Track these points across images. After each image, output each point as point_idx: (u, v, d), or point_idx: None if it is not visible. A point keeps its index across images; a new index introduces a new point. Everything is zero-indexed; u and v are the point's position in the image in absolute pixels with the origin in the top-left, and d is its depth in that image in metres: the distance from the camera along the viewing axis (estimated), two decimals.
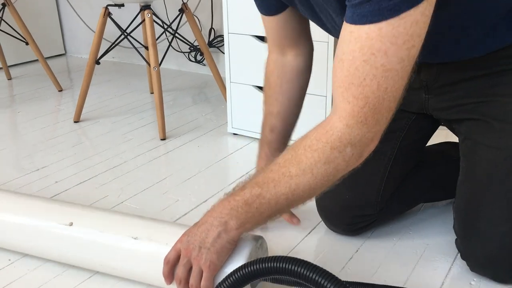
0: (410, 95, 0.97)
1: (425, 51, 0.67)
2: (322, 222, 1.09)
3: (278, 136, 1.03)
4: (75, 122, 1.75)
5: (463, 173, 0.91)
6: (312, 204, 1.17)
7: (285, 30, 0.97)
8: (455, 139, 1.02)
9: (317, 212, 1.12)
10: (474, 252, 0.88)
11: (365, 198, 0.99)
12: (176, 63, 2.41)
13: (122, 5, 1.68)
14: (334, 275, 0.50)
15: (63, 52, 2.79)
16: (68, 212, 0.94)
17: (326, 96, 1.37)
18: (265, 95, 1.05)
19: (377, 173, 1.00)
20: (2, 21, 2.07)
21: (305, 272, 0.49)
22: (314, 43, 1.02)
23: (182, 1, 1.88)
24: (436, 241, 1.02)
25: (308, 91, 1.04)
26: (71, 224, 0.91)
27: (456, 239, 0.94)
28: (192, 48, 2.27)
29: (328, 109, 1.39)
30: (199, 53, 2.32)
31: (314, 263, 0.59)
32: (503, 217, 0.84)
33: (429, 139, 1.08)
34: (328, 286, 0.47)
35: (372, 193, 0.99)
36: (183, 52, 2.35)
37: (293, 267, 0.49)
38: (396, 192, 1.02)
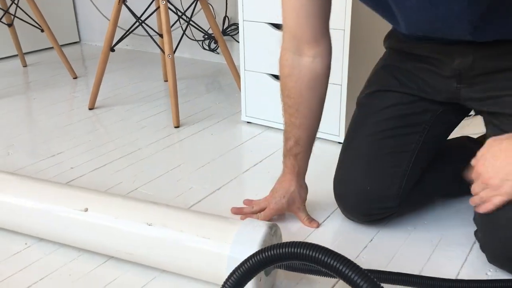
0: (439, 83, 0.97)
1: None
2: (336, 211, 1.09)
3: (304, 147, 1.01)
4: (89, 109, 1.75)
5: None
6: (325, 192, 1.16)
7: (309, 18, 0.91)
8: (471, 132, 1.01)
9: (331, 201, 1.12)
10: (493, 244, 0.87)
11: (387, 191, 0.98)
12: (190, 51, 2.41)
13: None
14: (353, 262, 0.50)
15: (78, 39, 2.80)
16: (83, 197, 0.95)
17: (341, 85, 1.36)
18: (284, 101, 1.00)
19: (400, 165, 0.99)
20: (18, 8, 2.08)
21: (324, 258, 0.48)
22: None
23: None
24: (452, 232, 1.01)
25: None
26: (86, 209, 0.92)
27: (475, 231, 0.93)
28: (206, 36, 2.26)
29: (343, 98, 1.37)
30: (213, 41, 2.31)
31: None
32: None
33: (452, 131, 1.07)
34: (348, 273, 0.46)
35: (394, 186, 0.98)
36: (197, 40, 2.34)
37: (312, 253, 0.49)
38: (416, 185, 1.01)
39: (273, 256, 0.51)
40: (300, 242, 0.52)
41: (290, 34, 0.95)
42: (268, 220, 1.03)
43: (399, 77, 1.03)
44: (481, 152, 0.84)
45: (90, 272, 0.92)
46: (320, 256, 0.48)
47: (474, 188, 0.86)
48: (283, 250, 0.50)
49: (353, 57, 1.35)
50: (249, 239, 0.81)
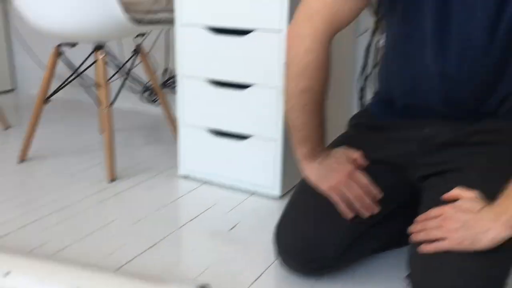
0: (400, 146, 1.04)
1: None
2: (272, 265, 1.09)
3: (312, 94, 0.99)
4: (21, 161, 1.69)
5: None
6: (261, 245, 1.17)
7: (344, 11, 0.95)
8: None
9: (267, 255, 1.13)
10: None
11: (329, 240, 1.00)
12: (129, 102, 2.40)
13: (75, 44, 1.67)
14: None
15: (13, 87, 2.72)
16: (4, 260, 0.90)
17: (276, 141, 1.39)
18: (286, 107, 1.03)
19: (343, 220, 1.01)
20: None
21: None
22: None
23: (137, 42, 1.88)
24: (384, 285, 1.04)
25: None
26: (7, 273, 0.87)
27: (407, 275, 0.92)
28: (145, 89, 2.27)
29: (278, 153, 1.40)
30: (152, 93, 2.32)
31: None
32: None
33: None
34: None
35: (337, 236, 1.01)
36: (136, 92, 2.34)
37: None
38: (358, 239, 1.04)
39: None
40: None
41: (322, 24, 0.96)
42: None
43: (362, 143, 1.09)
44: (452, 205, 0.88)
45: None
46: None
47: (423, 216, 0.90)
48: None
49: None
50: None
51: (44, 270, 0.88)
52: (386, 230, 1.12)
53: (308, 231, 1.02)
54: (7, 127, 2.06)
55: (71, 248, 1.16)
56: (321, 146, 1.05)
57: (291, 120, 1.03)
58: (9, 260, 0.90)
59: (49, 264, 0.90)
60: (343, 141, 1.15)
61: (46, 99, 1.65)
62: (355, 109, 1.81)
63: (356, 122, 1.19)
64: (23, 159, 1.70)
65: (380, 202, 1.04)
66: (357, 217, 1.02)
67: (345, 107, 1.79)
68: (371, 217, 1.04)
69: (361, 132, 1.15)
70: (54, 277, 0.86)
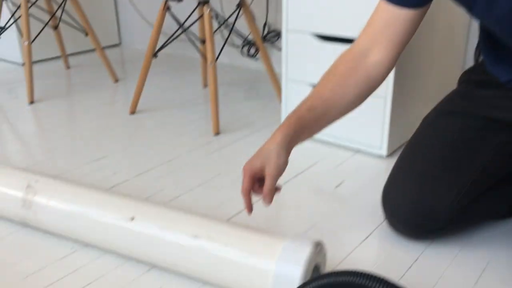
0: None
1: None
2: (379, 227, 1.08)
3: (313, 117, 0.90)
4: (131, 114, 1.78)
5: None
6: (368, 206, 1.15)
7: (398, 28, 0.89)
8: None
9: (374, 216, 1.11)
10: None
11: (441, 203, 0.97)
12: (229, 57, 2.42)
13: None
14: None
15: (118, 42, 2.85)
16: (129, 205, 0.96)
17: (385, 97, 1.34)
18: (323, 77, 0.94)
19: (460, 180, 0.97)
20: (63, 11, 2.13)
21: None
22: None
23: None
24: (500, 254, 0.99)
25: None
26: (132, 218, 0.93)
27: None
28: (245, 43, 2.27)
29: (387, 111, 1.36)
30: (252, 48, 2.32)
31: (372, 270, 0.58)
32: None
33: None
34: None
35: (449, 199, 0.97)
36: (236, 47, 2.35)
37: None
38: (470, 204, 0.99)
39: (330, 284, 0.50)
40: (366, 273, 0.51)
41: (371, 35, 0.92)
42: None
43: (473, 101, 1.03)
44: None
45: (135, 280, 0.93)
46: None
47: None
48: (345, 279, 0.49)
49: (400, 69, 1.33)
50: (294, 257, 0.80)
51: (165, 217, 0.93)
52: (503, 194, 1.05)
53: (418, 193, 0.98)
54: (116, 80, 2.17)
55: (181, 198, 1.22)
56: (296, 132, 0.89)
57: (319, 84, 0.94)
58: (132, 205, 0.96)
59: (169, 212, 0.95)
60: (454, 98, 1.08)
61: (154, 54, 1.70)
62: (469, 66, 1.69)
63: (468, 78, 1.11)
64: (133, 111, 1.79)
65: (492, 163, 0.98)
66: (474, 181, 0.97)
67: (458, 64, 1.68)
68: (486, 180, 0.98)
69: (473, 89, 1.07)
70: (175, 225, 0.91)
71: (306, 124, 0.90)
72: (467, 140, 1.01)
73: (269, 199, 0.86)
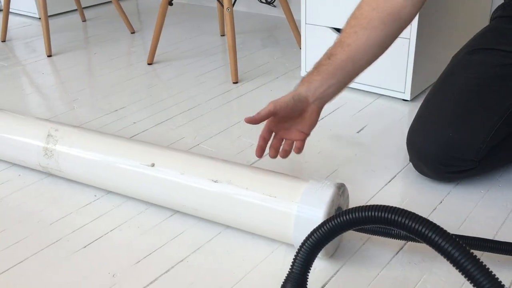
0: None
1: None
2: (404, 170, 1.06)
3: (336, 63, 0.86)
4: (148, 64, 1.76)
5: None
6: (392, 149, 1.13)
7: None
8: None
9: (398, 158, 1.09)
10: None
11: (471, 141, 0.94)
12: (246, 5, 2.36)
13: None
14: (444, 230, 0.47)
15: None
16: (150, 152, 0.96)
17: (409, 39, 1.29)
18: (347, 21, 0.88)
19: (489, 119, 0.94)
20: None
21: (413, 225, 0.46)
22: None
23: None
24: None
25: None
26: (153, 165, 0.93)
27: None
28: None
29: (411, 53, 1.31)
30: None
31: None
32: None
33: None
34: (437, 239, 0.44)
35: (479, 138, 0.93)
36: None
37: (402, 220, 0.47)
38: (498, 145, 0.96)
39: (358, 219, 0.49)
40: (387, 206, 0.50)
41: None
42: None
43: (507, 36, 0.98)
44: None
45: (158, 225, 0.94)
46: (408, 222, 0.46)
47: None
48: (373, 213, 0.48)
49: (424, 9, 1.26)
50: (316, 198, 0.79)
51: (185, 162, 0.92)
52: None
53: (445, 132, 0.94)
54: (132, 31, 2.14)
55: (201, 146, 1.21)
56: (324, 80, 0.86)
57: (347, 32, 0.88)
58: (152, 152, 0.95)
59: (188, 157, 0.94)
60: (486, 34, 1.03)
61: (170, 1, 1.66)
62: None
63: (501, 14, 1.05)
64: (150, 62, 1.77)
65: None
66: (504, 121, 0.93)
67: (487, 5, 1.60)
68: None
69: (505, 24, 1.01)
70: (195, 170, 0.90)
71: (327, 71, 0.86)
72: (499, 77, 0.97)
73: (256, 120, 0.87)
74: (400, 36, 0.91)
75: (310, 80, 0.88)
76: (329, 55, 0.88)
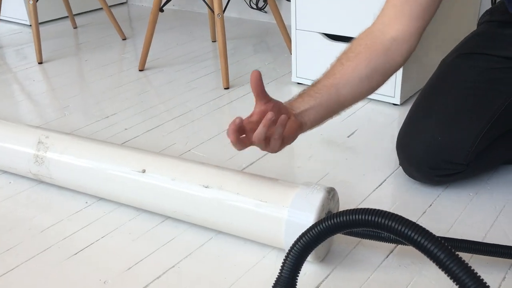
0: None
1: None
2: (394, 173, 1.07)
3: (316, 88, 0.85)
4: (140, 70, 1.76)
5: None
6: (383, 153, 1.14)
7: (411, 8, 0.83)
8: None
9: (388, 162, 1.10)
10: None
11: (460, 145, 0.95)
12: (237, 11, 2.37)
13: None
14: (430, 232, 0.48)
15: (124, 0, 2.80)
16: (140, 158, 0.96)
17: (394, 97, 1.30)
18: (337, 57, 0.88)
19: (478, 122, 0.95)
20: None
21: (399, 228, 0.47)
22: None
23: None
24: None
25: None
26: (144, 171, 0.93)
27: None
28: None
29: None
30: (260, 0, 2.26)
31: None
32: None
33: None
34: (423, 241, 0.45)
35: (468, 141, 0.94)
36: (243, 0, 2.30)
37: (387, 222, 0.47)
38: (487, 148, 0.97)
39: (345, 223, 0.50)
40: (374, 209, 0.50)
41: (392, 9, 0.86)
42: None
43: (495, 41, 1.00)
44: None
45: (149, 231, 0.94)
46: (395, 225, 0.47)
47: None
48: (360, 217, 0.49)
49: None
50: (307, 203, 0.80)
51: (176, 168, 0.93)
52: None
53: (434, 135, 0.95)
54: (124, 38, 2.14)
55: (192, 152, 1.22)
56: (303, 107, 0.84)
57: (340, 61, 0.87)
58: (143, 158, 0.96)
59: (179, 163, 0.94)
60: (474, 38, 1.05)
61: (161, 8, 1.67)
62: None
63: (488, 19, 1.07)
64: (141, 68, 1.77)
65: None
66: (492, 124, 0.95)
67: (474, 11, 1.62)
68: (506, 123, 0.96)
69: (495, 28, 1.03)
70: (186, 176, 0.91)
71: (309, 94, 0.84)
72: (487, 81, 0.98)
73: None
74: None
75: (291, 100, 0.86)
76: (314, 83, 0.86)
